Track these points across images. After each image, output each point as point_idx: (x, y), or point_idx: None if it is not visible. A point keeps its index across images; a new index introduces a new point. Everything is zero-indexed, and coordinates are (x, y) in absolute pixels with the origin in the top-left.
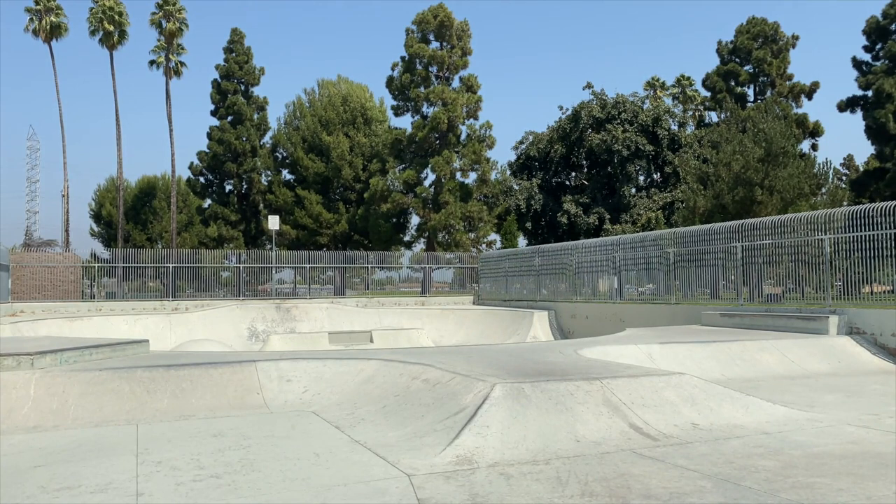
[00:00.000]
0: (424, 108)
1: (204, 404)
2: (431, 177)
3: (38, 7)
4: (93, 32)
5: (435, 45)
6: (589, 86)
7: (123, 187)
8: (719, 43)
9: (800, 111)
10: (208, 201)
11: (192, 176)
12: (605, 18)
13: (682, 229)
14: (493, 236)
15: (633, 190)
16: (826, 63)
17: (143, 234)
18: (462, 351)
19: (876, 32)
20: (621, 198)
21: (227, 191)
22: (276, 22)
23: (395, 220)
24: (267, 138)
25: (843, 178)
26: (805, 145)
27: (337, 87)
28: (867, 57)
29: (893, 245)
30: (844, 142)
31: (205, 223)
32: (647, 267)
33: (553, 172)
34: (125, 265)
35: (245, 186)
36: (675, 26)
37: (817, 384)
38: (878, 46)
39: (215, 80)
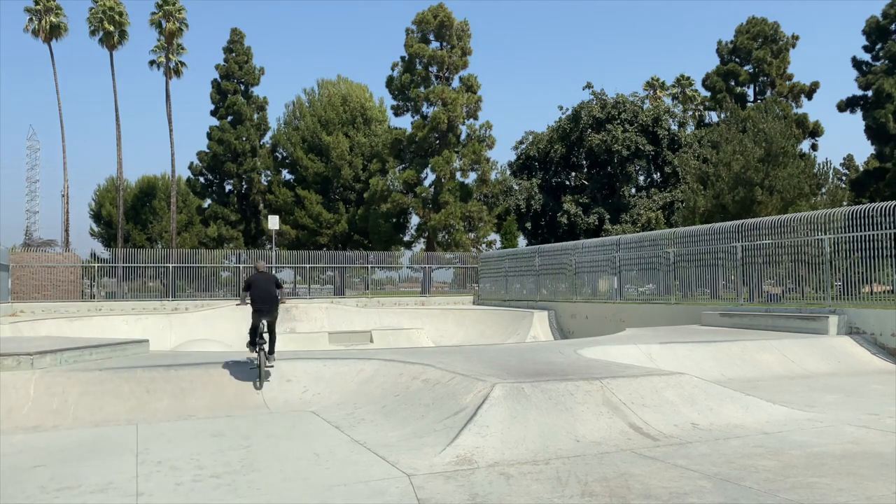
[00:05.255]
0: (424, 108)
1: (204, 404)
2: (431, 177)
3: (37, 7)
4: (93, 32)
5: (435, 45)
6: (589, 86)
7: (123, 187)
8: (719, 43)
9: (800, 111)
10: (208, 201)
11: (192, 176)
12: (605, 18)
13: (682, 229)
14: (493, 236)
15: (633, 190)
16: (826, 63)
17: (143, 234)
18: (462, 351)
19: (876, 32)
20: (621, 198)
21: (227, 191)
22: (276, 22)
23: (395, 220)
24: (267, 138)
25: (843, 178)
26: (805, 145)
27: (337, 87)
28: (867, 57)
29: (893, 245)
30: (844, 142)
31: (205, 223)
32: (647, 267)
33: (553, 172)
34: (125, 265)
35: (245, 186)
36: (675, 26)
37: (817, 384)
38: (878, 46)
39: (215, 80)
